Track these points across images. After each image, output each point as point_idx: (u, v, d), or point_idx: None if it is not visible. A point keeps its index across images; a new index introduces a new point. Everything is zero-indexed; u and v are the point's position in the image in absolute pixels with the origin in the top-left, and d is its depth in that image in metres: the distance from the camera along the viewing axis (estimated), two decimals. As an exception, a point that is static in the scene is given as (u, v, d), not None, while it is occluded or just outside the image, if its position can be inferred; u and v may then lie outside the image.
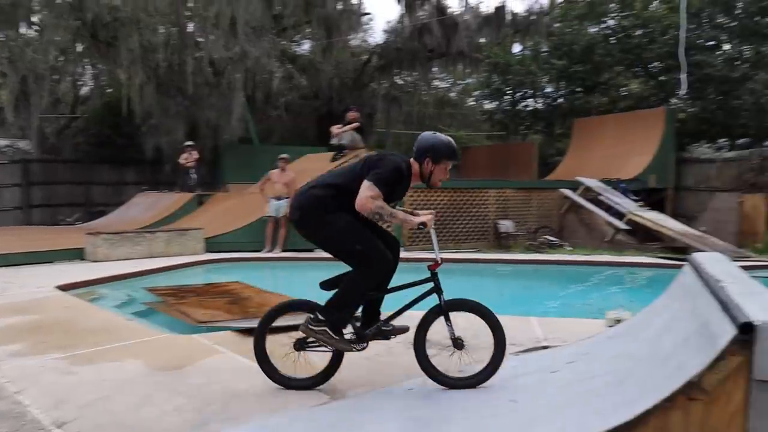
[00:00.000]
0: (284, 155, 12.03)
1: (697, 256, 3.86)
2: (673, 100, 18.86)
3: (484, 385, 3.58)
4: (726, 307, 2.48)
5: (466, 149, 24.04)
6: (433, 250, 3.76)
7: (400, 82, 23.68)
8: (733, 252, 10.98)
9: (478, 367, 3.62)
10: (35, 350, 4.59)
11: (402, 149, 23.74)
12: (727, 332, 2.28)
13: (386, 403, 3.50)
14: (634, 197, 15.56)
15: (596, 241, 13.84)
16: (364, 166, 3.66)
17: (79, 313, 5.97)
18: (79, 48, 18.72)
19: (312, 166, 14.23)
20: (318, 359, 3.88)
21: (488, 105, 29.91)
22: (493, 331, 3.57)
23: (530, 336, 4.88)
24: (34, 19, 18.12)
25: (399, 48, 21.73)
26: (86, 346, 4.70)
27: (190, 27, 18.84)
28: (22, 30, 17.51)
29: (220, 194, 15.64)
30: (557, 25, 21.46)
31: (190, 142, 16.26)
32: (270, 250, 11.38)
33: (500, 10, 21.21)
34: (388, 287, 3.79)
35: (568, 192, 15.42)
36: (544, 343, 4.57)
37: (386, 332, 3.78)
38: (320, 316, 3.62)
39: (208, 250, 11.18)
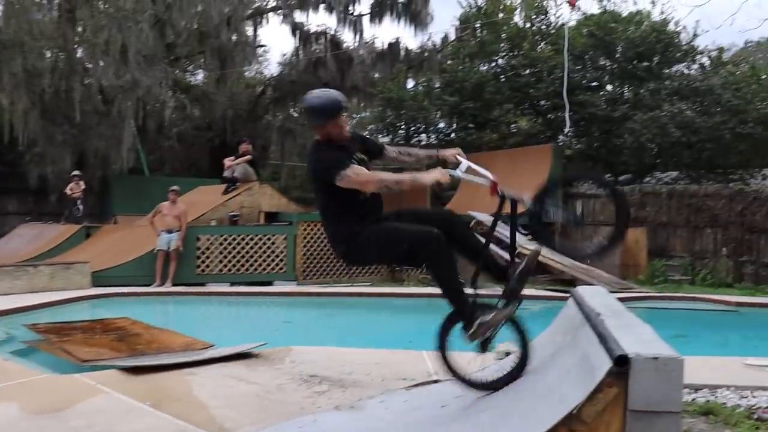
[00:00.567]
0: (175, 187, 11.94)
1: (580, 290, 4.08)
2: (561, 137, 19.73)
3: (380, 419, 3.68)
4: (604, 340, 2.59)
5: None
6: (483, 176, 3.60)
7: (295, 114, 23.83)
8: (617, 284, 11.62)
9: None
10: None
11: (296, 182, 23.89)
12: (604, 364, 2.38)
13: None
14: (524, 231, 16.30)
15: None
16: (317, 179, 3.62)
17: (-49, 355, 5.69)
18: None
19: (204, 199, 14.15)
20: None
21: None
22: None
23: (421, 369, 5.01)
24: None
25: (294, 81, 21.91)
26: (-44, 390, 4.47)
27: (79, 53, 18.29)
28: None
29: (109, 226, 15.16)
30: (449, 62, 22.26)
31: (77, 172, 15.70)
32: (160, 285, 11.17)
33: (394, 45, 21.91)
34: (470, 240, 3.74)
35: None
36: (435, 377, 4.68)
37: (522, 265, 3.62)
38: (463, 322, 3.53)
39: (95, 285, 10.83)
